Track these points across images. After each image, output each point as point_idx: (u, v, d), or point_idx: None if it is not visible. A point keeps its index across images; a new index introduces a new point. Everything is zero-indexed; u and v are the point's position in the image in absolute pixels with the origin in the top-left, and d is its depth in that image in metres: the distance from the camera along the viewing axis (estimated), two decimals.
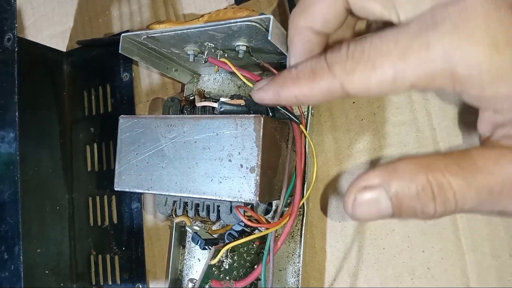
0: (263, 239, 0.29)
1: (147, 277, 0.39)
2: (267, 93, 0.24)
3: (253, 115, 0.24)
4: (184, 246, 0.36)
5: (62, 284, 0.41)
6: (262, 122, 0.24)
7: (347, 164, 0.32)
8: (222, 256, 0.24)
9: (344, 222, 0.32)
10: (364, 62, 0.20)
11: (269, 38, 0.24)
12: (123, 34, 0.29)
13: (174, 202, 0.28)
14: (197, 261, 0.35)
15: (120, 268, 0.40)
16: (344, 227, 0.32)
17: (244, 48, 0.28)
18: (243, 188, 0.24)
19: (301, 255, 0.31)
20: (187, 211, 0.28)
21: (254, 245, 0.28)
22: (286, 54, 0.27)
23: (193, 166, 0.25)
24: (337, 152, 0.32)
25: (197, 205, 0.27)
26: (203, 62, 0.29)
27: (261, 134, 0.23)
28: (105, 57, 0.43)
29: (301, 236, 0.31)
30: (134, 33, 0.28)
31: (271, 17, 0.23)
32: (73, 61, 0.45)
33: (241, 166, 0.24)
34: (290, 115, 0.27)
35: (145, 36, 0.28)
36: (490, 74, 0.19)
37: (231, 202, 0.26)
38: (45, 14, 0.48)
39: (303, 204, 0.31)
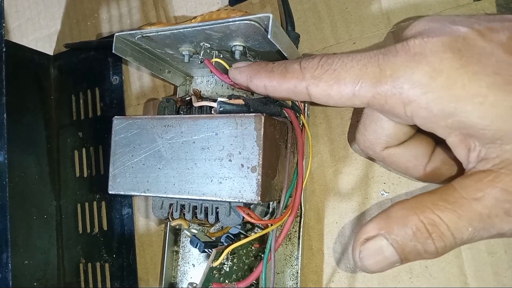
0: (262, 241, 0.28)
1: (139, 284, 0.38)
2: (242, 75, 0.26)
3: (254, 114, 0.24)
4: (177, 252, 0.35)
5: None
6: (263, 121, 0.23)
7: (343, 165, 0.32)
8: (223, 259, 0.24)
9: (340, 223, 0.32)
10: (330, 73, 0.23)
11: (269, 36, 0.24)
12: (116, 34, 0.28)
13: (171, 205, 0.28)
14: (191, 267, 0.34)
15: (110, 276, 0.39)
16: (341, 228, 0.31)
17: (241, 48, 0.28)
18: (244, 188, 0.23)
19: (299, 257, 0.31)
20: (184, 214, 0.27)
21: (253, 248, 0.28)
22: (285, 53, 0.27)
23: (191, 166, 0.25)
24: (333, 153, 0.32)
25: (195, 207, 0.27)
26: (199, 62, 0.28)
27: (262, 133, 0.23)
28: (94, 60, 0.42)
29: (298, 238, 0.31)
30: (128, 32, 0.28)
31: (271, 15, 0.23)
32: (60, 65, 0.44)
33: (242, 165, 0.23)
34: (293, 104, 0.27)
35: (140, 36, 0.28)
36: (432, 94, 0.20)
37: (230, 203, 0.25)
38: (30, 18, 0.47)
39: (300, 205, 0.31)
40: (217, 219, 0.26)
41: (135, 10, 0.41)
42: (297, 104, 0.28)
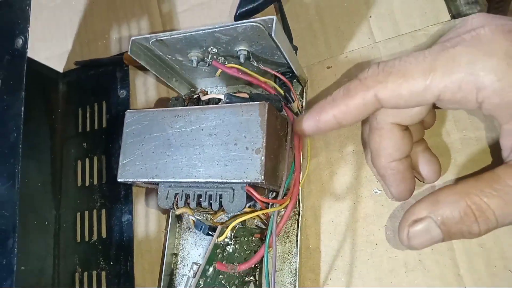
0: (262, 233, 0.29)
1: None
2: (308, 122, 0.26)
3: (258, 102, 0.26)
4: (176, 255, 0.36)
5: None
6: (267, 107, 0.26)
7: (338, 167, 0.34)
8: (227, 236, 0.25)
9: (337, 221, 0.33)
10: (395, 72, 0.23)
11: (272, 35, 0.26)
12: (133, 38, 0.31)
13: (176, 195, 0.29)
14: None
15: (107, 285, 0.39)
16: (337, 226, 0.33)
17: (245, 53, 0.31)
18: (249, 168, 0.25)
19: (298, 254, 0.31)
20: (188, 204, 0.28)
21: (254, 238, 0.29)
22: (285, 54, 0.29)
23: (199, 152, 0.27)
24: (328, 156, 0.34)
25: (199, 196, 0.28)
26: (207, 65, 0.31)
27: (265, 119, 0.25)
28: (103, 76, 0.45)
29: (297, 236, 0.32)
30: (144, 36, 0.30)
31: (275, 17, 0.26)
32: (69, 81, 0.47)
33: (247, 148, 0.25)
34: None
35: (154, 40, 0.30)
36: (508, 81, 0.21)
37: (233, 190, 0.27)
38: (43, 37, 0.50)
39: (299, 204, 0.32)
40: (220, 206, 0.27)
41: (145, 31, 0.45)
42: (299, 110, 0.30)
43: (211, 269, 0.25)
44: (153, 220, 0.39)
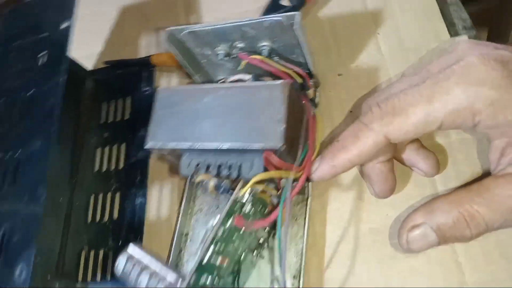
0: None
1: None
2: (323, 169, 0.29)
3: (281, 80, 0.29)
4: (187, 234, 0.37)
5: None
6: (288, 85, 0.29)
7: None
8: (247, 192, 0.27)
9: (342, 210, 0.35)
10: (398, 113, 0.26)
11: (295, 27, 0.30)
12: (167, 29, 0.35)
13: (197, 164, 0.31)
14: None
15: (113, 264, 0.40)
16: (342, 214, 0.35)
17: (268, 48, 0.34)
18: (270, 136, 0.27)
19: (305, 235, 0.33)
20: (209, 172, 0.31)
21: (268, 210, 0.31)
22: (305, 50, 0.33)
23: (224, 122, 0.29)
24: None
25: (220, 166, 0.31)
26: (233, 57, 0.35)
27: (287, 95, 0.28)
28: (129, 75, 0.49)
29: (305, 218, 0.34)
30: (176, 28, 0.34)
31: (298, 13, 0.30)
32: (97, 78, 0.50)
33: (269, 119, 0.28)
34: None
35: (187, 31, 0.34)
36: (498, 105, 0.25)
37: (252, 159, 0.29)
38: (75, 39, 0.54)
39: (308, 188, 0.34)
40: (239, 175, 0.30)
41: None
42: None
43: (229, 222, 0.27)
44: (166, 205, 0.41)
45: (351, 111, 0.38)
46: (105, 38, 0.53)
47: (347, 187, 0.35)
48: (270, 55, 0.35)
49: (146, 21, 0.52)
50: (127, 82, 0.48)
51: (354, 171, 0.36)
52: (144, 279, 0.27)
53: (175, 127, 0.31)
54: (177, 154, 0.32)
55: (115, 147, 0.45)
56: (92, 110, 0.48)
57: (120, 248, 0.40)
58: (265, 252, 0.34)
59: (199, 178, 0.31)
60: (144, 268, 0.28)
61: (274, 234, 0.32)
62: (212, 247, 0.27)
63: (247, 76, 0.32)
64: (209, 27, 0.33)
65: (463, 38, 0.38)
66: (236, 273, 0.30)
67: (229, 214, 0.27)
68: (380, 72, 0.39)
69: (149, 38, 0.50)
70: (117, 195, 0.43)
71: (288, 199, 0.28)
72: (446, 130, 0.28)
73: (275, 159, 0.27)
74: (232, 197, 0.27)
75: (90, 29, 0.54)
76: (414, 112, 0.26)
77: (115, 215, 0.42)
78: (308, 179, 0.31)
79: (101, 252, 0.41)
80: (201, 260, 0.26)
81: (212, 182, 0.30)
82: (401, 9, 0.41)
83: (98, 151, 0.46)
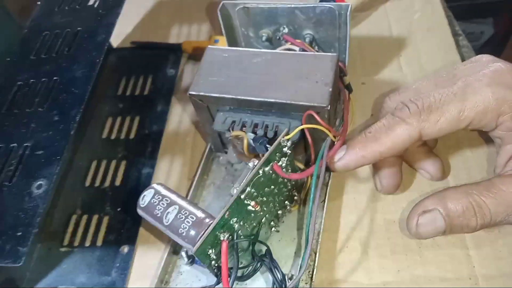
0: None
1: (137, 240, 0.36)
2: (350, 158, 0.30)
3: (331, 53, 0.31)
4: (197, 204, 0.36)
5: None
6: (336, 57, 0.31)
7: None
8: (291, 139, 0.27)
9: (358, 199, 0.35)
10: (434, 111, 0.28)
11: (343, 18, 0.33)
12: (223, 1, 0.37)
13: (233, 122, 0.32)
14: None
15: (107, 230, 0.37)
16: (358, 203, 0.35)
17: (310, 37, 0.37)
18: (317, 96, 0.29)
19: (323, 217, 0.33)
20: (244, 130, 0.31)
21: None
22: (347, 42, 0.36)
23: (271, 79, 0.30)
24: None
25: (256, 125, 0.31)
26: (278, 38, 0.37)
27: (335, 64, 0.30)
28: (156, 56, 0.49)
29: (324, 201, 0.34)
30: (233, 2, 0.37)
31: (350, 4, 0.34)
32: (120, 55, 0.51)
33: (317, 82, 0.29)
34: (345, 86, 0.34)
35: (241, 7, 0.36)
36: None
37: (290, 123, 0.30)
38: None
39: (329, 177, 0.35)
40: (275, 136, 0.30)
41: (203, 33, 0.52)
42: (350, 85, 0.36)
43: (267, 168, 0.27)
44: (174, 177, 0.40)
45: (372, 115, 0.40)
46: (136, 21, 0.54)
47: (365, 179, 0.36)
48: (311, 44, 0.37)
49: (182, 12, 0.54)
50: (152, 62, 0.49)
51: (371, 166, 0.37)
52: (172, 212, 0.26)
53: (220, 79, 0.31)
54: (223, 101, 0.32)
55: (128, 118, 0.45)
56: (109, 80, 0.48)
57: (118, 215, 0.38)
58: (280, 228, 0.33)
59: (235, 133, 0.31)
60: (172, 203, 0.26)
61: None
62: (248, 188, 0.26)
63: (296, 47, 0.34)
64: (264, 6, 0.35)
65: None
66: (255, 236, 0.29)
67: (268, 161, 0.27)
68: (400, 84, 0.42)
69: (181, 27, 0.52)
70: (123, 163, 0.41)
71: (325, 158, 0.28)
72: (471, 129, 0.30)
73: (318, 118, 0.28)
74: (278, 140, 0.27)
75: (123, 12, 0.55)
76: (449, 110, 0.28)
77: (118, 182, 0.40)
78: (328, 169, 0.31)
79: (95, 218, 0.38)
80: (239, 196, 0.25)
81: (249, 136, 0.30)
82: (422, 39, 0.46)
83: (109, 119, 0.45)
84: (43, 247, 0.36)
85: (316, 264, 0.31)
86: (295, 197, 0.33)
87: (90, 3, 0.38)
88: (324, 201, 0.34)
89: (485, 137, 0.37)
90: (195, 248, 0.24)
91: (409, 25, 0.48)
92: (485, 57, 0.31)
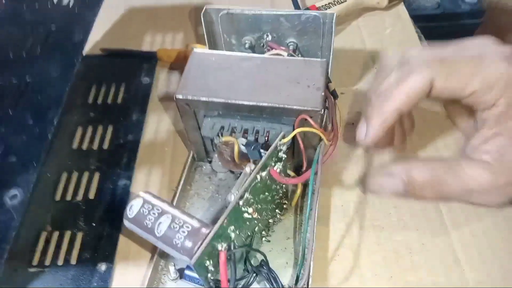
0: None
1: (116, 256, 0.33)
2: (374, 128, 0.29)
3: (320, 59, 0.31)
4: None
5: None
6: (326, 63, 0.31)
7: (350, 163, 0.38)
8: (286, 144, 0.26)
9: (346, 207, 0.35)
10: (447, 64, 0.28)
11: (329, 25, 0.34)
12: (207, 6, 0.36)
13: (222, 127, 0.30)
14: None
15: (81, 247, 0.34)
16: (346, 210, 0.35)
17: (294, 45, 0.37)
18: (309, 100, 0.28)
19: (315, 225, 0.32)
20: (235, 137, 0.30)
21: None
22: (331, 50, 0.36)
23: (262, 84, 0.29)
24: (341, 152, 0.38)
25: (246, 130, 0.30)
26: (262, 45, 0.37)
27: (326, 69, 0.30)
28: (129, 64, 0.47)
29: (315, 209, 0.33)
30: (217, 7, 0.36)
31: (335, 13, 0.34)
32: (89, 62, 0.48)
33: (308, 86, 0.29)
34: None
35: (225, 12, 0.36)
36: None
37: (281, 128, 0.29)
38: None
39: (315, 181, 0.35)
40: (266, 141, 0.29)
41: (178, 41, 0.50)
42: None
43: (264, 173, 0.26)
44: (153, 189, 0.37)
45: (352, 123, 0.41)
46: (106, 28, 0.52)
47: (351, 187, 0.36)
48: (294, 52, 0.37)
49: (153, 19, 0.53)
50: (124, 70, 0.47)
51: (357, 171, 0.37)
52: (165, 222, 0.24)
53: (209, 83, 0.30)
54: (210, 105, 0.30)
55: (100, 128, 0.42)
56: (78, 88, 0.45)
57: (93, 230, 0.35)
58: (271, 238, 0.32)
59: (225, 138, 0.30)
60: (164, 212, 0.25)
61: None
62: (246, 194, 0.25)
63: (284, 53, 0.34)
64: (248, 12, 0.35)
65: None
66: (249, 246, 0.28)
67: (265, 166, 0.26)
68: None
69: (154, 36, 0.51)
70: (96, 175, 0.39)
71: (320, 162, 0.28)
72: (466, 103, 0.29)
73: (312, 122, 0.28)
74: (274, 144, 0.26)
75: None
76: (461, 68, 0.27)
77: (91, 195, 0.37)
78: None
79: (67, 234, 0.35)
80: (237, 203, 0.24)
81: (240, 142, 0.29)
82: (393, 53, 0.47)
83: (79, 128, 0.42)
84: (9, 267, 0.33)
85: (311, 274, 0.30)
86: (285, 205, 0.33)
87: (65, 2, 0.35)
88: (314, 208, 0.33)
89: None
90: (194, 259, 0.22)
91: (381, 39, 0.50)
92: (488, 39, 0.30)
